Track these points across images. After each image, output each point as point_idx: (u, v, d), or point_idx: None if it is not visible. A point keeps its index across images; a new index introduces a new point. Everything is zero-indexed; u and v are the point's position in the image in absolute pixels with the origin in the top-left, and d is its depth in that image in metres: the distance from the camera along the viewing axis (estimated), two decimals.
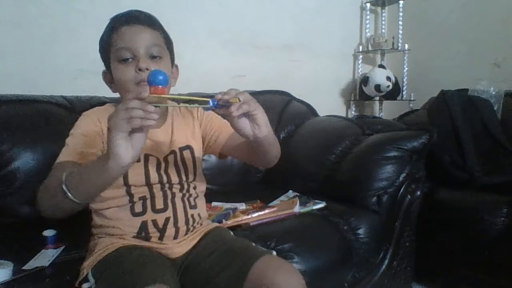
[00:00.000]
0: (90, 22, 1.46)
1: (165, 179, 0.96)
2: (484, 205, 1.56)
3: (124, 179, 0.91)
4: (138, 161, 0.92)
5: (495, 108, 1.89)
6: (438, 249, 1.67)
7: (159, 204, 0.95)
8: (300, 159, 1.73)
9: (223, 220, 1.26)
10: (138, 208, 0.94)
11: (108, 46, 0.93)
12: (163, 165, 0.97)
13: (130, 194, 0.93)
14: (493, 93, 1.91)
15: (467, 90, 1.97)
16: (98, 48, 0.97)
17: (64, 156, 0.88)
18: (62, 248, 1.11)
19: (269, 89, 2.05)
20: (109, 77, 0.96)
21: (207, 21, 2.09)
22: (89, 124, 0.94)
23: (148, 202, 0.94)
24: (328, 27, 2.51)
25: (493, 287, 1.52)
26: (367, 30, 2.68)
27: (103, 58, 0.97)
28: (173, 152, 0.99)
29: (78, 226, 1.00)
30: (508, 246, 1.46)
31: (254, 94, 2.03)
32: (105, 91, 1.03)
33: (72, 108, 1.49)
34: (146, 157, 0.95)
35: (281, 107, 1.98)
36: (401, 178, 1.48)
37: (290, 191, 1.63)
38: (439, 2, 2.46)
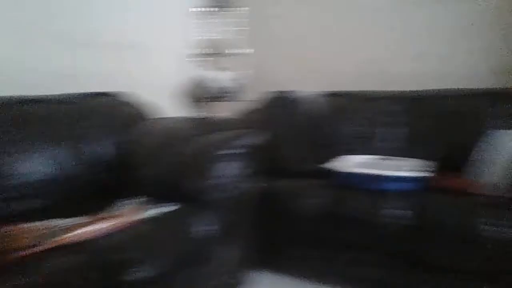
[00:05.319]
0: None
1: None
2: (310, 189, 1.78)
3: None
4: None
5: (319, 107, 2.22)
6: (280, 235, 1.84)
7: None
8: (142, 164, 1.68)
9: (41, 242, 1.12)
10: None
11: None
12: None
13: None
14: (320, 94, 2.27)
15: (300, 91, 2.29)
16: None
17: None
18: None
19: (104, 90, 1.93)
20: None
21: (34, 16, 1.85)
22: None
23: None
24: (170, 28, 2.49)
25: (328, 260, 1.76)
26: (210, 33, 2.68)
27: None
28: None
29: None
30: (327, 221, 1.69)
31: (76, 97, 1.88)
32: None
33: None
34: None
35: (111, 111, 1.88)
36: (238, 174, 1.57)
37: (136, 197, 1.56)
38: (280, 9, 2.69)
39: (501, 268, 1.40)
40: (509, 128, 1.75)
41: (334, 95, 2.29)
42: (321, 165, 1.85)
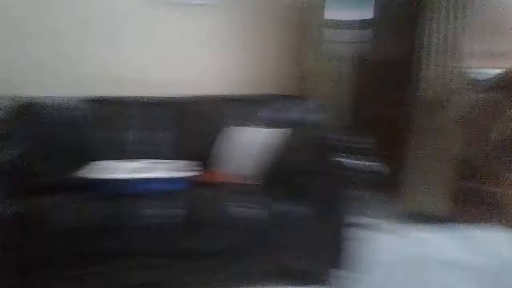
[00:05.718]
0: None
1: None
2: (69, 203, 1.65)
3: None
4: None
5: (75, 113, 2.09)
6: (44, 259, 1.60)
7: None
8: None
9: None
10: None
11: None
12: None
13: None
14: (75, 99, 2.13)
15: (51, 97, 2.07)
16: None
17: None
18: None
19: None
20: None
21: None
22: None
23: None
24: None
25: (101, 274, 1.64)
26: None
27: None
28: None
29: None
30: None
31: None
32: None
33: None
34: None
35: None
36: None
37: None
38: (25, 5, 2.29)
39: (246, 242, 1.68)
40: (243, 126, 2.12)
41: (93, 101, 2.16)
42: (80, 176, 1.72)
